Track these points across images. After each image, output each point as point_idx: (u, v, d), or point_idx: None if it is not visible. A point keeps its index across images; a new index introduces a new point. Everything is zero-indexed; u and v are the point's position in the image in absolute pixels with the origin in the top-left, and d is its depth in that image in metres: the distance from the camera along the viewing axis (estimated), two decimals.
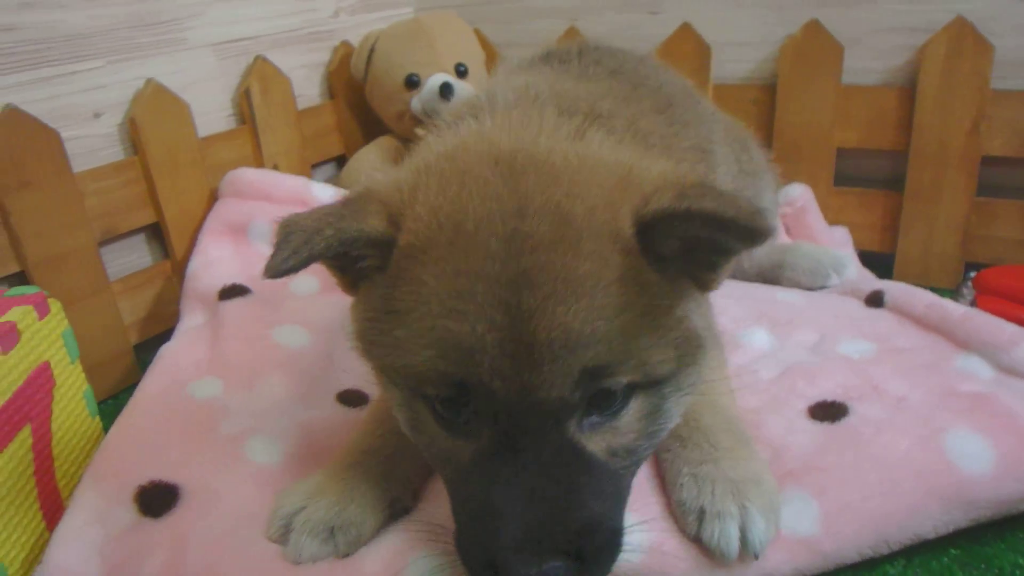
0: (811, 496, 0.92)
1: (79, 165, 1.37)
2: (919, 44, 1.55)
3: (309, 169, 1.83)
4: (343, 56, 1.91)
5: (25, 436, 0.97)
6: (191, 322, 1.37)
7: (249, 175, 1.58)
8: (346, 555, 0.89)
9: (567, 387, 0.73)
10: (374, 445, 0.97)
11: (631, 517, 0.88)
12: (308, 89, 1.86)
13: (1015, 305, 1.28)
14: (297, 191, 1.60)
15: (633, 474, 0.83)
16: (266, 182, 1.58)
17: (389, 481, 0.94)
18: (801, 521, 0.90)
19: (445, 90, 1.73)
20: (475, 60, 1.88)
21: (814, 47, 1.62)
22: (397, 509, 0.94)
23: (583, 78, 1.17)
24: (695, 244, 0.76)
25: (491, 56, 1.99)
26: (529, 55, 1.31)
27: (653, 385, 0.78)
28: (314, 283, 1.48)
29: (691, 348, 0.79)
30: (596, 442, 0.77)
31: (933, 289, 1.48)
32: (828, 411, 1.05)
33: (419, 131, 1.77)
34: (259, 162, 1.70)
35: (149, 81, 1.48)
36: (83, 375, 1.13)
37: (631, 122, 1.04)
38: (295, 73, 1.79)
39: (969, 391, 1.06)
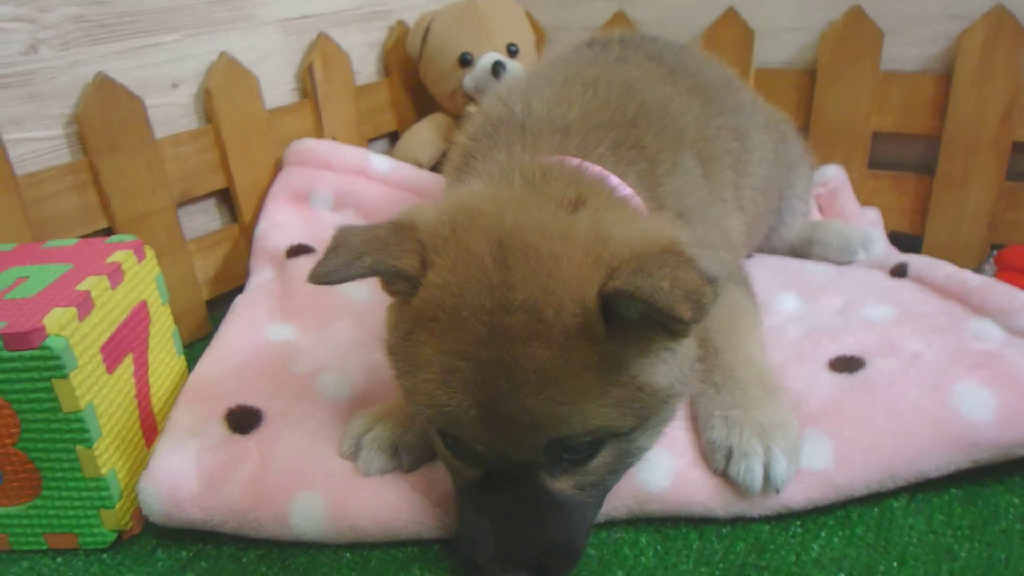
0: (827, 436, 1.06)
1: (159, 132, 1.52)
2: (957, 32, 1.63)
3: (366, 143, 1.97)
4: (399, 35, 2.05)
5: (128, 363, 1.14)
6: (261, 277, 1.53)
7: (312, 145, 1.74)
8: (410, 470, 1.05)
9: (535, 453, 0.88)
10: None
11: (659, 450, 1.04)
12: (365, 67, 2.00)
13: None
14: (356, 161, 1.76)
15: (603, 495, 0.98)
16: (327, 152, 1.74)
17: None
18: (816, 458, 1.04)
19: (497, 69, 1.86)
20: (526, 40, 2.01)
21: (855, 33, 1.71)
22: None
23: (622, 61, 1.31)
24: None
25: (540, 38, 2.12)
26: (574, 43, 1.45)
27: (619, 435, 0.91)
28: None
29: (656, 402, 0.91)
30: (565, 481, 0.92)
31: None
32: (847, 364, 1.18)
33: (469, 108, 1.92)
34: (319, 135, 1.85)
35: (222, 55, 1.63)
36: (171, 317, 1.29)
37: (663, 102, 1.20)
38: (354, 51, 1.93)
39: (979, 349, 1.17)
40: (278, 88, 1.79)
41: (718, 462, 1.04)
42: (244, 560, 1.04)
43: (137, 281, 1.19)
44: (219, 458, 1.08)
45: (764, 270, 1.52)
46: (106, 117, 1.43)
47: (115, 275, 1.14)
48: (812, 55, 1.82)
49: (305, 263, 1.52)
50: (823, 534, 1.02)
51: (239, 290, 1.65)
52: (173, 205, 1.56)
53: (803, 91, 1.82)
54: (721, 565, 0.99)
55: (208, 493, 1.04)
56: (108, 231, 1.47)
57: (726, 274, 1.21)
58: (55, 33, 1.38)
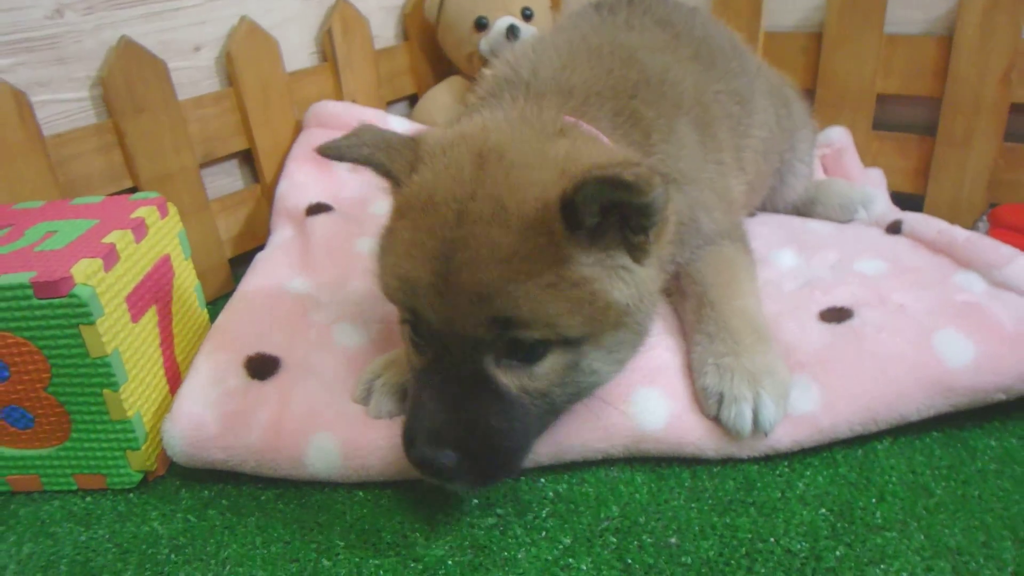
0: (814, 381, 1.10)
1: (182, 94, 1.55)
2: None
3: (385, 106, 2.01)
4: (417, 0, 2.07)
5: (152, 313, 1.18)
6: (281, 235, 1.58)
7: (332, 107, 1.77)
8: None
9: (479, 328, 0.91)
10: None
11: (656, 394, 1.09)
12: (384, 31, 2.03)
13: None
14: (375, 122, 1.71)
15: (550, 414, 1.00)
16: (347, 114, 1.77)
17: None
18: (802, 402, 1.08)
19: (511, 32, 1.89)
20: (540, 3, 2.03)
21: None
22: None
23: (627, 27, 1.34)
24: (617, 210, 0.90)
25: (555, 0, 2.13)
26: (583, 5, 1.47)
27: (570, 343, 0.95)
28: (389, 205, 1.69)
29: (609, 316, 0.95)
30: (510, 379, 0.95)
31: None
32: (836, 315, 1.22)
33: (484, 70, 1.95)
34: (339, 98, 1.88)
35: (243, 19, 1.65)
36: (194, 272, 1.33)
37: (662, 71, 1.23)
38: (373, 15, 1.95)
39: (962, 300, 1.20)
40: (298, 52, 1.81)
41: (711, 407, 1.08)
42: (263, 498, 1.10)
43: (160, 236, 1.23)
44: (239, 402, 1.12)
45: (766, 227, 1.54)
46: (130, 79, 1.46)
47: (139, 229, 1.17)
48: (819, 18, 1.83)
49: (323, 221, 1.57)
50: (808, 473, 1.07)
51: (261, 248, 1.69)
52: (196, 165, 1.59)
53: (810, 54, 1.83)
54: (711, 501, 1.03)
55: (228, 434, 1.09)
56: (133, 191, 1.50)
57: (719, 232, 1.25)
58: None
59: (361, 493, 1.09)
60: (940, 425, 1.12)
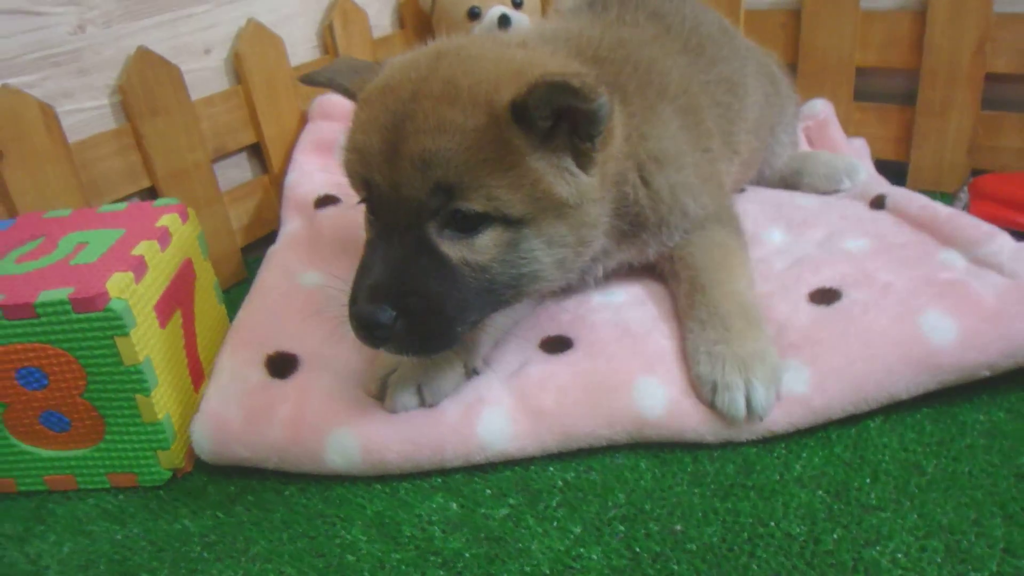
0: (805, 363, 1.04)
1: (195, 94, 1.50)
2: None
3: None
4: None
5: (177, 317, 1.14)
6: (291, 226, 1.51)
7: (335, 100, 1.68)
8: (431, 406, 1.05)
9: (423, 192, 0.91)
10: None
11: (656, 381, 1.03)
12: (381, 20, 1.95)
13: (1004, 208, 1.35)
14: None
15: (488, 292, 0.96)
16: (349, 106, 1.67)
17: (464, 349, 1.09)
18: (796, 383, 1.03)
19: (503, 21, 1.80)
20: None
21: None
22: (470, 371, 1.09)
23: (619, 22, 1.26)
24: (569, 118, 0.92)
25: None
26: (575, 1, 1.38)
27: (510, 223, 0.93)
28: None
29: (550, 203, 0.94)
30: (451, 250, 0.93)
31: (941, 194, 1.57)
32: (825, 296, 1.16)
33: None
34: None
35: (250, 20, 1.58)
36: (212, 270, 1.29)
37: (649, 62, 1.17)
38: (370, 6, 1.87)
39: (945, 279, 1.14)
40: (301, 46, 1.75)
41: (706, 395, 1.02)
42: (286, 492, 1.05)
43: (183, 241, 1.19)
44: (261, 401, 1.08)
45: (755, 204, 1.47)
46: (147, 85, 1.41)
47: (164, 238, 1.13)
48: None
49: (332, 213, 1.50)
50: (804, 454, 1.02)
51: (270, 236, 1.64)
52: (208, 161, 1.54)
53: (789, 30, 1.76)
54: (712, 485, 0.98)
55: (252, 432, 1.05)
56: (151, 188, 1.46)
57: (707, 216, 1.19)
58: (99, 12, 1.36)
59: (379, 486, 1.04)
60: (930, 401, 1.06)
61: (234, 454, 1.05)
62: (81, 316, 0.98)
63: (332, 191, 1.54)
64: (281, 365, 1.12)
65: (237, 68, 1.58)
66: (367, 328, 0.90)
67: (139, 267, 1.04)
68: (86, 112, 1.35)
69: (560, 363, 1.08)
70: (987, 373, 1.04)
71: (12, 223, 1.20)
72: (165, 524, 1.03)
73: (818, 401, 1.02)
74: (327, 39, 1.77)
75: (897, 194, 1.41)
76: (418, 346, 0.94)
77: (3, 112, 1.21)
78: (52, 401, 1.05)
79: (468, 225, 0.93)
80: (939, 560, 0.85)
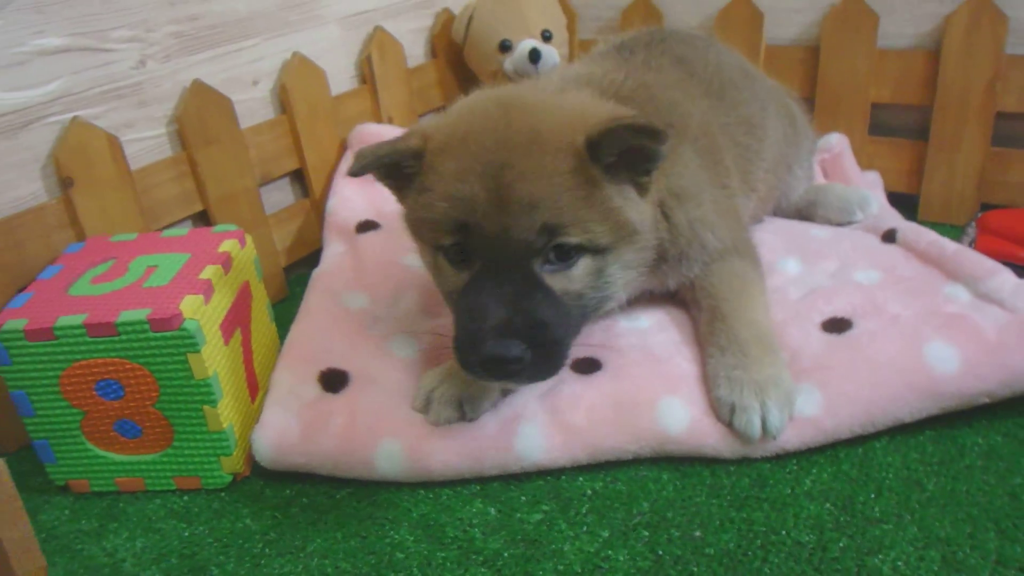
0: (817, 387, 1.14)
1: (243, 123, 1.61)
2: (945, 13, 1.67)
3: (416, 119, 2.05)
4: (444, 21, 2.11)
5: (238, 335, 1.25)
6: (334, 249, 1.62)
7: (373, 129, 1.81)
8: (471, 420, 1.16)
9: (531, 233, 1.01)
10: None
11: (679, 402, 1.15)
12: (415, 50, 2.07)
13: (1008, 243, 1.45)
14: None
15: (581, 316, 1.09)
16: (386, 135, 1.74)
17: None
18: (808, 406, 1.13)
19: (533, 55, 1.93)
20: (558, 26, 2.06)
21: (853, 14, 1.75)
22: (506, 390, 1.20)
23: (644, 67, 1.38)
24: (629, 154, 1.04)
25: (571, 18, 2.15)
26: (605, 46, 1.51)
27: (597, 251, 1.06)
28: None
29: (627, 231, 1.08)
30: (553, 281, 1.04)
31: (951, 227, 1.68)
32: (836, 325, 1.26)
33: None
34: (377, 115, 1.93)
35: (295, 54, 1.71)
36: (265, 291, 1.40)
37: (670, 104, 1.30)
38: (405, 37, 1.99)
39: (949, 311, 1.23)
40: (340, 76, 1.86)
41: (724, 415, 1.13)
42: (338, 496, 1.17)
43: (242, 265, 1.31)
44: (316, 413, 1.19)
45: (772, 235, 1.57)
46: (202, 116, 1.53)
47: (226, 263, 1.25)
48: (816, 33, 1.85)
49: (373, 238, 1.62)
50: (814, 470, 1.12)
51: (311, 256, 1.76)
52: (256, 186, 1.66)
53: (808, 66, 1.85)
54: (729, 497, 1.09)
55: (308, 442, 1.16)
56: (203, 212, 1.58)
57: (726, 249, 1.30)
58: (159, 48, 1.49)
59: (422, 491, 1.15)
60: (932, 424, 1.16)
61: (292, 461, 1.16)
62: (157, 334, 1.10)
63: (372, 216, 1.66)
64: (333, 380, 1.24)
65: (282, 98, 1.70)
66: (500, 364, 0.99)
67: (207, 290, 1.17)
68: (145, 141, 1.48)
69: (591, 383, 1.19)
70: (986, 400, 1.13)
71: (82, 246, 1.32)
72: (228, 523, 1.15)
73: (828, 423, 1.12)
74: (365, 69, 1.89)
75: (907, 228, 1.51)
76: (544, 373, 1.04)
77: (74, 143, 1.34)
78: (127, 410, 1.17)
79: (564, 257, 1.05)
80: (936, 569, 0.95)
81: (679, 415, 1.14)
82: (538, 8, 2.03)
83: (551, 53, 1.95)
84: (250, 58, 1.65)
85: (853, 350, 1.19)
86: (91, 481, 1.23)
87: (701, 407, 1.16)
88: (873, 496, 1.07)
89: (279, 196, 1.78)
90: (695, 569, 0.99)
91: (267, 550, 1.09)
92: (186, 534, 1.14)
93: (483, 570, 1.02)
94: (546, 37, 2.00)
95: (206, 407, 1.16)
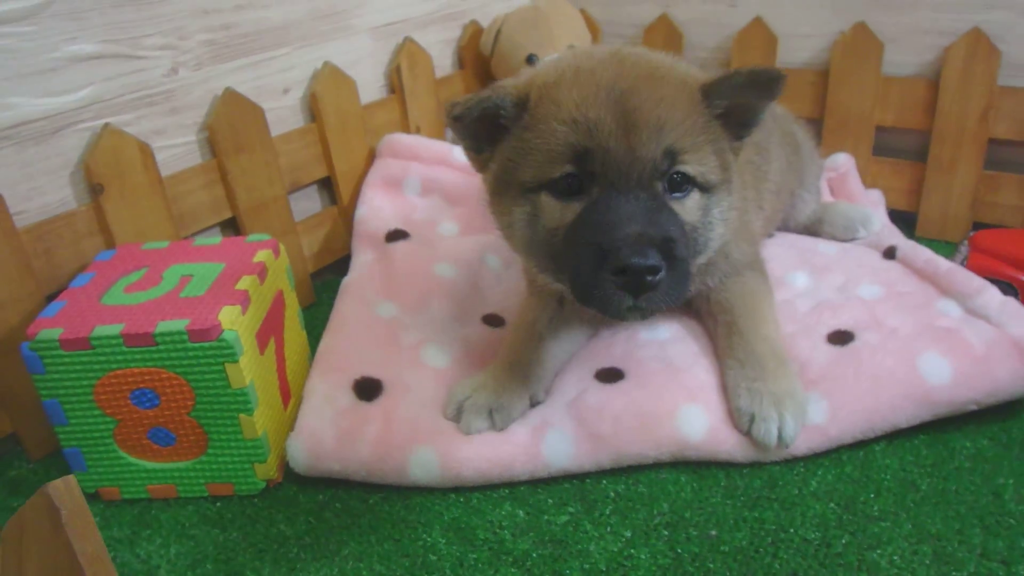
0: (823, 397, 1.21)
1: (273, 131, 1.62)
2: (945, 45, 1.73)
3: (444, 128, 2.07)
4: (472, 33, 2.12)
5: (272, 343, 1.26)
6: (363, 258, 1.65)
7: (403, 139, 1.83)
8: (501, 430, 1.21)
9: (657, 153, 1.04)
10: (519, 358, 1.28)
11: (698, 410, 1.20)
12: (443, 61, 2.08)
13: (998, 262, 1.51)
14: (442, 153, 1.86)
15: (688, 261, 1.07)
16: (417, 145, 1.83)
17: (529, 381, 1.26)
18: (815, 414, 1.20)
19: None
20: (584, 41, 2.09)
21: (860, 43, 1.81)
22: (535, 401, 1.26)
23: None
24: (734, 111, 1.10)
25: (595, 34, 2.20)
26: None
27: (705, 189, 1.11)
28: (455, 227, 1.76)
29: (726, 177, 1.13)
30: (674, 207, 1.07)
31: (946, 243, 1.75)
32: (841, 337, 1.33)
33: None
34: (405, 125, 1.94)
35: (326, 63, 1.72)
36: (296, 299, 1.40)
37: None
38: (433, 48, 2.00)
39: (942, 326, 1.31)
40: (370, 86, 1.87)
41: (743, 424, 1.19)
42: (371, 501, 1.19)
43: (276, 275, 1.31)
44: (351, 421, 1.22)
45: (782, 249, 1.63)
46: (233, 124, 1.54)
47: (262, 273, 1.26)
48: (826, 58, 1.90)
49: (403, 248, 1.65)
50: (819, 472, 1.18)
51: (337, 263, 1.78)
52: (285, 194, 1.67)
53: (818, 88, 1.91)
54: (742, 497, 1.15)
55: (343, 449, 1.19)
56: (232, 219, 1.59)
57: (745, 263, 1.35)
58: (191, 56, 1.50)
59: (453, 495, 1.18)
60: (926, 429, 1.23)
61: (327, 468, 1.18)
62: (196, 345, 1.10)
63: (401, 226, 1.69)
64: (367, 389, 1.27)
65: (312, 107, 1.71)
66: (639, 275, 0.98)
67: (244, 301, 1.17)
68: (176, 148, 1.49)
69: (615, 392, 1.24)
70: (974, 407, 1.21)
71: (113, 253, 1.32)
72: (263, 528, 1.16)
73: (833, 430, 1.19)
74: (394, 79, 1.90)
75: (906, 246, 1.58)
76: (676, 293, 1.04)
77: (106, 150, 1.34)
78: (161, 419, 1.17)
79: (678, 188, 1.09)
80: (927, 562, 1.02)
81: (698, 423, 1.20)
82: (564, 24, 2.06)
83: None
84: (281, 67, 1.66)
85: (856, 362, 1.25)
86: (122, 488, 1.23)
87: (718, 415, 1.21)
88: (873, 496, 1.13)
89: (307, 203, 1.79)
90: (712, 566, 1.04)
91: (302, 554, 1.11)
92: (220, 540, 1.14)
93: (513, 570, 1.06)
94: None
95: (242, 415, 1.16)
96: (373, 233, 1.70)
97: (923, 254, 1.53)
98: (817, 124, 1.93)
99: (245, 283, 1.22)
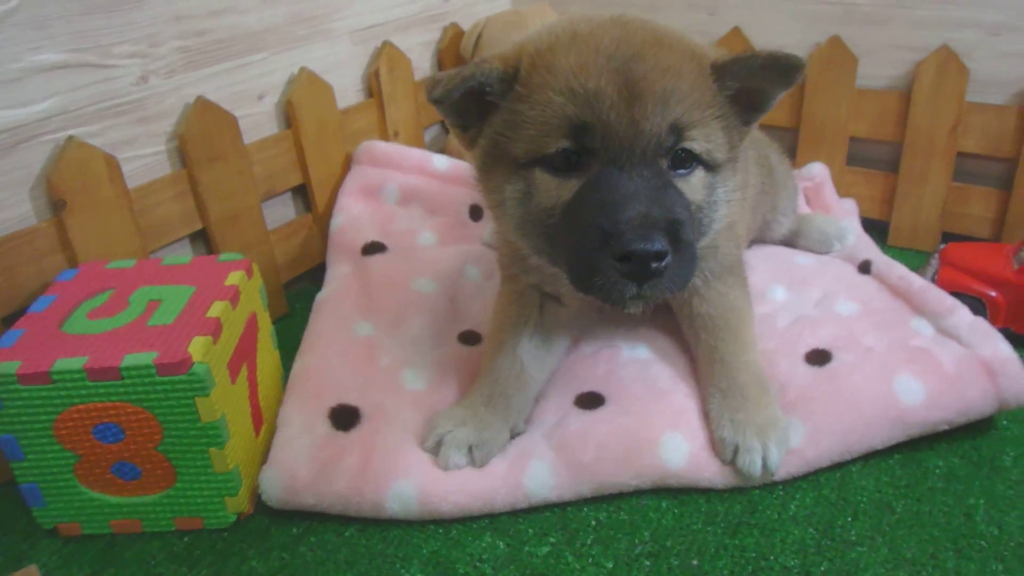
0: (801, 421, 1.16)
1: (247, 138, 1.51)
2: (916, 61, 1.70)
3: (422, 132, 1.96)
4: (452, 35, 2.01)
5: (244, 370, 1.15)
6: (339, 271, 1.55)
7: (381, 147, 1.72)
8: (480, 466, 1.12)
9: (662, 128, 0.91)
10: (500, 390, 1.19)
11: (680, 437, 1.13)
12: (422, 63, 1.97)
13: (966, 276, 1.47)
14: (420, 161, 1.75)
15: (694, 243, 0.95)
16: (395, 153, 1.72)
17: (509, 414, 1.17)
18: (793, 438, 1.14)
19: None
20: None
21: (835, 56, 1.77)
22: (515, 432, 1.18)
23: None
24: (744, 94, 0.98)
25: None
26: None
27: (710, 167, 0.98)
28: (434, 237, 1.66)
29: (732, 157, 1.00)
30: (679, 185, 0.95)
31: (917, 252, 1.72)
32: (818, 357, 1.27)
33: None
34: (383, 129, 1.83)
35: (303, 69, 1.60)
36: (269, 319, 1.29)
37: None
38: (412, 50, 1.89)
39: (915, 345, 1.27)
40: (347, 90, 1.77)
41: (727, 455, 1.12)
42: (347, 534, 1.11)
43: (249, 297, 1.20)
44: (327, 452, 1.13)
45: (761, 262, 1.57)
46: (206, 134, 1.43)
47: (234, 298, 1.15)
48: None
49: (379, 261, 1.55)
50: (798, 495, 1.13)
51: (311, 272, 1.67)
52: (259, 203, 1.56)
53: (795, 98, 1.86)
54: (723, 524, 1.09)
55: (319, 482, 1.10)
56: (202, 231, 1.48)
57: (729, 265, 1.26)
58: (163, 64, 1.38)
59: (432, 526, 1.10)
60: (901, 448, 1.19)
61: (302, 502, 1.10)
62: (164, 379, 1.00)
63: (378, 238, 1.58)
64: (344, 418, 1.18)
65: (289, 113, 1.60)
66: (644, 261, 0.87)
67: (216, 330, 1.07)
68: (145, 159, 1.37)
69: (596, 419, 1.17)
70: (946, 427, 1.17)
71: (76, 273, 1.20)
72: (234, 565, 1.06)
73: (811, 453, 1.14)
74: (372, 84, 1.79)
75: (880, 262, 1.53)
76: (682, 278, 0.92)
77: (70, 163, 1.23)
78: (126, 453, 1.07)
79: (682, 165, 0.95)
80: None
81: (679, 451, 1.13)
82: None
83: None
84: (257, 72, 1.54)
85: (832, 383, 1.21)
86: (83, 524, 1.12)
87: (699, 442, 1.15)
88: (850, 519, 1.09)
89: (281, 211, 1.68)
90: None
91: None
92: None
93: None
94: None
95: (212, 449, 1.06)
96: (349, 245, 1.60)
97: (897, 270, 1.48)
98: (793, 133, 1.89)
99: (217, 310, 1.11)
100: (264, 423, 1.24)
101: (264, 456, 1.17)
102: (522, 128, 0.94)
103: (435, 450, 1.14)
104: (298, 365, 1.30)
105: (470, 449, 1.12)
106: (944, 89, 1.67)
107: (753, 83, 0.97)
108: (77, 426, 1.05)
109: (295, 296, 1.70)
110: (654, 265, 0.87)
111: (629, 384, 1.24)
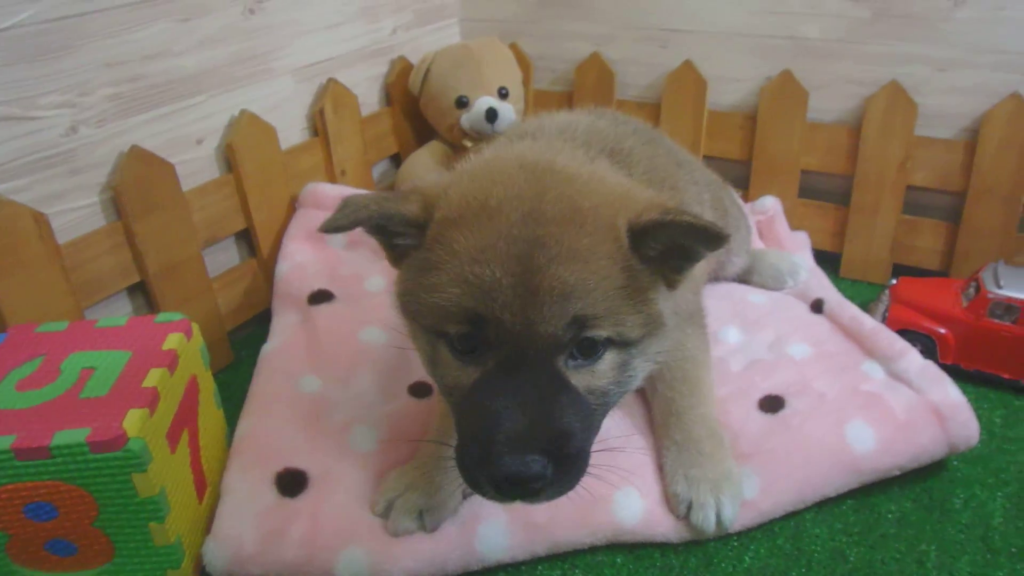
0: (755, 472, 1.17)
1: (186, 185, 1.47)
2: (866, 95, 1.72)
3: (370, 169, 1.92)
4: (400, 69, 1.98)
5: (185, 437, 1.12)
6: (285, 321, 1.51)
7: (326, 189, 1.69)
8: (431, 531, 1.10)
9: (560, 327, 0.83)
10: (450, 452, 1.13)
11: (635, 494, 1.13)
12: (369, 98, 1.93)
13: (916, 314, 1.49)
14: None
15: (603, 415, 0.93)
16: (340, 195, 1.63)
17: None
18: (748, 490, 1.15)
19: (490, 115, 1.83)
20: (515, 82, 1.96)
21: (786, 90, 1.79)
22: (467, 493, 1.15)
23: (615, 123, 1.29)
24: (670, 251, 0.90)
25: (526, 69, 2.07)
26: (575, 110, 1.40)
27: (624, 345, 0.90)
28: (382, 281, 1.62)
29: (656, 325, 0.91)
30: (577, 379, 0.88)
31: (868, 284, 1.74)
32: (771, 404, 1.28)
33: (467, 142, 1.88)
34: (330, 169, 1.80)
35: (244, 111, 1.57)
36: (212, 378, 1.25)
37: (649, 159, 1.19)
38: (359, 85, 1.86)
39: (866, 390, 1.28)
40: (291, 129, 1.73)
41: (681, 511, 1.12)
42: None
43: (188, 360, 1.16)
44: (274, 522, 1.11)
45: (715, 300, 1.56)
46: (141, 184, 1.38)
47: (172, 363, 1.11)
48: (755, 102, 1.87)
49: (327, 311, 1.52)
50: (752, 547, 1.13)
51: (256, 318, 1.64)
52: (199, 252, 1.51)
53: (747, 131, 1.88)
54: None
55: (266, 552, 1.08)
56: (141, 283, 1.44)
57: (689, 315, 1.25)
58: (93, 113, 1.34)
59: None
60: (853, 493, 1.20)
61: (247, 573, 1.07)
62: (98, 456, 0.96)
63: (325, 285, 1.55)
64: (291, 483, 1.15)
65: (229, 157, 1.56)
66: (518, 484, 0.82)
67: (153, 401, 1.03)
68: (77, 212, 1.32)
69: None
70: (898, 472, 1.19)
71: (4, 338, 1.15)
72: None
73: (765, 505, 1.15)
74: (318, 122, 1.76)
75: (833, 301, 1.54)
76: (564, 490, 0.87)
77: None
78: (60, 531, 1.02)
79: (589, 352, 0.88)
80: None
81: (634, 507, 1.13)
82: (495, 65, 1.93)
83: (507, 111, 1.86)
84: (195, 116, 1.50)
85: (786, 432, 1.22)
86: None
87: (653, 498, 1.15)
88: (804, 570, 1.09)
89: (224, 257, 1.63)
90: None
91: None
92: None
93: None
94: (502, 94, 1.91)
95: (152, 524, 1.03)
96: (295, 294, 1.56)
97: (848, 310, 1.50)
98: (746, 166, 1.90)
99: (154, 378, 1.07)
100: (208, 486, 1.20)
101: (209, 523, 1.14)
102: (429, 291, 0.89)
103: (385, 514, 1.12)
104: (242, 427, 1.27)
105: (420, 514, 1.10)
106: (893, 124, 1.69)
107: (677, 242, 0.90)
108: (7, 506, 1.01)
109: (241, 343, 1.66)
110: (531, 487, 0.83)
111: None
